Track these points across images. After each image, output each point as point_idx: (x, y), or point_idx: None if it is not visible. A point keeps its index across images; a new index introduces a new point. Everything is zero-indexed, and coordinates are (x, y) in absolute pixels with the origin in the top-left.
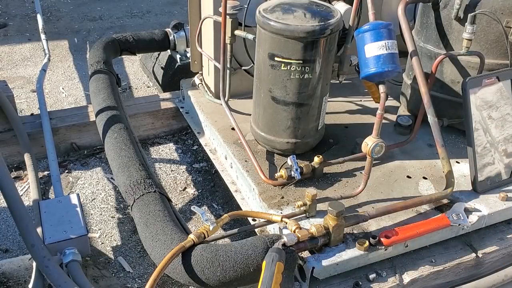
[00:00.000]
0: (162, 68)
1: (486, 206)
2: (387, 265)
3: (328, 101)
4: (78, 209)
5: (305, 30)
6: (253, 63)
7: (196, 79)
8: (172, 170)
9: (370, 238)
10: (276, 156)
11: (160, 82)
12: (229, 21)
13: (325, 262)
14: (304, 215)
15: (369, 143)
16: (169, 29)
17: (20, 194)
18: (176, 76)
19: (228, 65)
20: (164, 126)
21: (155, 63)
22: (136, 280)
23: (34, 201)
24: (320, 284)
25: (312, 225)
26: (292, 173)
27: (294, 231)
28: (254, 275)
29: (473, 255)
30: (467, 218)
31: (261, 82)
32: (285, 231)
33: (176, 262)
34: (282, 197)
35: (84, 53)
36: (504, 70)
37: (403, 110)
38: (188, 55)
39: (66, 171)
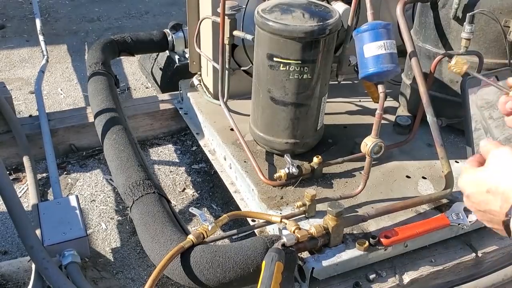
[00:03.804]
0: (160, 69)
1: None
2: (387, 265)
3: (327, 101)
4: (77, 210)
5: (303, 31)
6: (252, 64)
7: (195, 80)
8: (171, 171)
9: (370, 238)
10: (275, 157)
11: (159, 83)
12: (227, 21)
13: (324, 263)
14: (304, 215)
15: (368, 143)
16: (168, 30)
17: (19, 196)
18: (175, 77)
19: (227, 66)
20: (163, 127)
21: (153, 64)
22: (136, 281)
23: (33, 203)
24: (320, 284)
25: (311, 226)
26: (290, 169)
27: (294, 232)
28: (254, 276)
29: (473, 254)
30: (467, 217)
31: (260, 83)
32: (284, 232)
33: (175, 263)
34: (282, 198)
35: (83, 54)
36: (503, 70)
37: (402, 110)
38: (187, 55)
39: (65, 172)
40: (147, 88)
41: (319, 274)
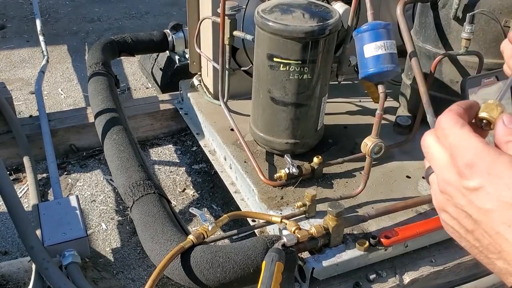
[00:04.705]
0: (160, 69)
1: None
2: (387, 265)
3: (327, 101)
4: (77, 211)
5: (304, 31)
6: (252, 64)
7: (195, 80)
8: (171, 171)
9: (370, 239)
10: (275, 157)
11: (159, 83)
12: (227, 21)
13: (325, 263)
14: (304, 215)
15: (368, 143)
16: (168, 30)
17: (19, 196)
18: (175, 77)
19: (227, 66)
20: (163, 127)
21: (153, 64)
22: (136, 282)
23: (33, 203)
24: (320, 284)
25: (311, 226)
26: (290, 169)
27: (294, 232)
28: (254, 276)
29: None
30: None
31: (260, 83)
32: (284, 232)
33: (176, 264)
34: (282, 198)
35: (83, 54)
36: (503, 70)
37: (402, 110)
38: (187, 56)
39: (65, 172)
40: (147, 88)
41: (319, 274)
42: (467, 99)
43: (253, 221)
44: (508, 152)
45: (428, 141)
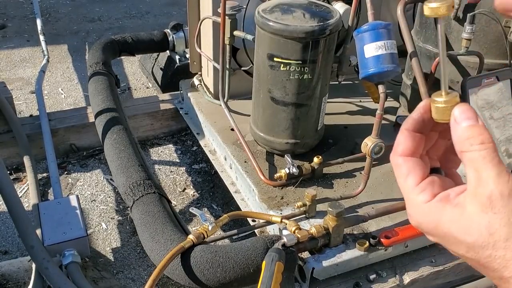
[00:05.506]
0: (161, 69)
1: None
2: (387, 265)
3: (328, 101)
4: (78, 210)
5: (304, 31)
6: (252, 64)
7: (195, 80)
8: (171, 171)
9: (370, 239)
10: (275, 157)
11: (159, 83)
12: (228, 21)
13: (325, 263)
14: (304, 215)
15: (368, 143)
16: (168, 30)
17: (19, 196)
18: (175, 77)
19: (227, 66)
20: (163, 127)
21: (154, 64)
22: (136, 281)
23: (33, 203)
24: (320, 284)
25: (312, 226)
26: (290, 169)
27: (294, 232)
28: (254, 276)
29: None
30: None
31: (260, 83)
32: (285, 232)
33: (176, 263)
34: (282, 198)
35: (83, 54)
36: (503, 70)
37: (402, 111)
38: (187, 55)
39: (66, 172)
40: (147, 88)
41: (320, 274)
42: (467, 99)
43: (253, 221)
44: (466, 163)
45: (395, 170)
